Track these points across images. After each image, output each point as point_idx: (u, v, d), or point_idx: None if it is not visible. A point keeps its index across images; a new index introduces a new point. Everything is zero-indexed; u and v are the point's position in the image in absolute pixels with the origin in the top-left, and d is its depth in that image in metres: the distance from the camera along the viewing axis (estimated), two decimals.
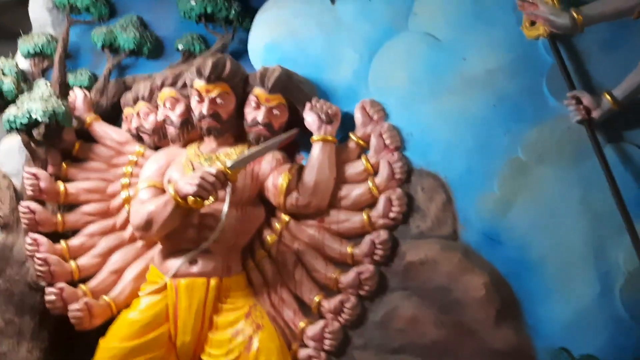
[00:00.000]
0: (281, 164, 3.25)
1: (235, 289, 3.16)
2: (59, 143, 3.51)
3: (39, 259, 3.33)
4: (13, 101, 3.48)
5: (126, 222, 3.41)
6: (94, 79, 3.73)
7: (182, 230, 3.13)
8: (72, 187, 3.47)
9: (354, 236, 3.18)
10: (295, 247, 3.23)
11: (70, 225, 3.46)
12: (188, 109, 3.34)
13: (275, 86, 3.24)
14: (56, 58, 3.62)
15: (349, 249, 3.15)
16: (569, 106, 3.05)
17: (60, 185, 3.45)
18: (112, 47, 3.72)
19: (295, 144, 3.35)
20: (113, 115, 3.64)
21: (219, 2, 3.62)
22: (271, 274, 3.24)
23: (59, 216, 3.44)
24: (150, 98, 3.46)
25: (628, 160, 3.03)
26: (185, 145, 3.39)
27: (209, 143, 3.31)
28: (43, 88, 3.45)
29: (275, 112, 3.26)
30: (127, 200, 3.42)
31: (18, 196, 3.50)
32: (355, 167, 3.24)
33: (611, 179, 2.92)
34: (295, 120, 3.30)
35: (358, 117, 3.26)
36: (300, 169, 3.23)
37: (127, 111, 3.54)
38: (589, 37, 3.07)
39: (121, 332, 3.12)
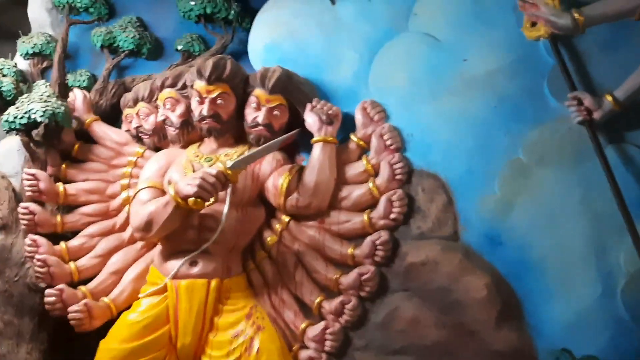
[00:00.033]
0: (281, 164, 3.25)
1: (235, 290, 3.16)
2: (59, 144, 3.51)
3: (38, 260, 3.33)
4: (12, 102, 3.48)
5: (126, 223, 3.40)
6: (93, 79, 3.73)
7: (183, 231, 3.12)
8: (72, 188, 3.46)
9: (355, 237, 3.17)
10: (296, 248, 3.22)
11: (69, 226, 3.46)
12: (188, 110, 3.34)
13: (276, 87, 3.23)
14: (55, 58, 3.63)
15: (349, 250, 3.14)
16: (570, 107, 3.04)
17: (60, 186, 3.44)
18: (111, 47, 3.72)
19: (296, 144, 3.35)
20: (112, 116, 3.63)
21: (219, 3, 3.62)
22: (271, 275, 3.23)
23: (58, 217, 3.44)
24: (150, 99, 3.45)
25: (629, 161, 3.03)
26: (185, 146, 3.39)
27: (209, 144, 3.31)
28: (43, 89, 3.45)
29: (276, 112, 3.26)
30: (127, 201, 3.40)
31: (17, 197, 3.50)
32: (355, 168, 3.24)
33: (612, 180, 2.92)
34: (296, 121, 3.29)
35: (358, 118, 3.25)
36: (301, 169, 3.23)
37: (126, 112, 3.54)
38: (590, 38, 3.07)
39: (121, 334, 3.11)
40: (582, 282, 2.99)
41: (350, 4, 3.41)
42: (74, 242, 3.43)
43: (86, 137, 3.57)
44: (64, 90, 3.59)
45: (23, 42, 3.72)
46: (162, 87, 3.42)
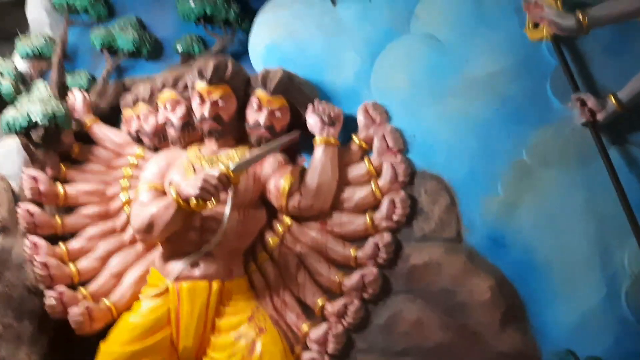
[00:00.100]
0: (283, 166, 3.24)
1: (237, 292, 3.15)
2: (58, 145, 3.49)
3: (38, 262, 3.32)
4: (11, 103, 3.46)
5: (126, 224, 3.40)
6: (92, 80, 3.71)
7: (184, 233, 3.11)
8: (71, 190, 3.45)
9: (357, 239, 3.17)
10: (298, 250, 3.21)
11: (69, 228, 3.45)
12: (189, 111, 3.33)
13: (277, 88, 3.22)
14: (54, 59, 3.61)
15: (352, 252, 3.14)
16: (573, 108, 3.05)
17: (60, 187, 3.42)
18: (110, 48, 3.70)
19: (297, 146, 3.34)
20: (112, 117, 3.62)
21: (218, 4, 3.60)
22: (273, 276, 3.23)
23: (58, 219, 3.43)
24: (151, 100, 3.44)
25: (633, 163, 3.02)
26: (185, 147, 3.37)
27: (210, 145, 3.30)
28: (42, 90, 3.44)
29: (277, 114, 3.25)
30: (127, 203, 3.40)
31: (16, 198, 3.48)
32: (357, 170, 3.23)
33: (616, 181, 2.92)
34: (297, 122, 3.29)
35: (360, 119, 3.25)
36: (303, 171, 3.22)
37: (126, 113, 3.52)
38: (593, 40, 3.07)
39: (122, 336, 3.10)
40: (586, 284, 2.99)
41: (351, 5, 3.40)
42: (74, 243, 3.41)
43: (86, 139, 3.56)
44: (63, 92, 3.58)
45: (22, 42, 3.70)
46: (163, 88, 3.40)
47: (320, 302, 3.15)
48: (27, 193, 3.40)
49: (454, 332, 3.03)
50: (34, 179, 3.40)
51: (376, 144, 3.21)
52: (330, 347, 3.09)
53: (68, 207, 3.47)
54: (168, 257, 3.16)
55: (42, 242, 3.36)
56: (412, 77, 3.25)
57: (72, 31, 3.71)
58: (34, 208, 3.39)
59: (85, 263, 3.37)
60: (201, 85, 3.22)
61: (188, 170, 3.20)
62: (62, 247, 3.39)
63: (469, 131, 3.15)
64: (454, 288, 3.04)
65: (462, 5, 3.26)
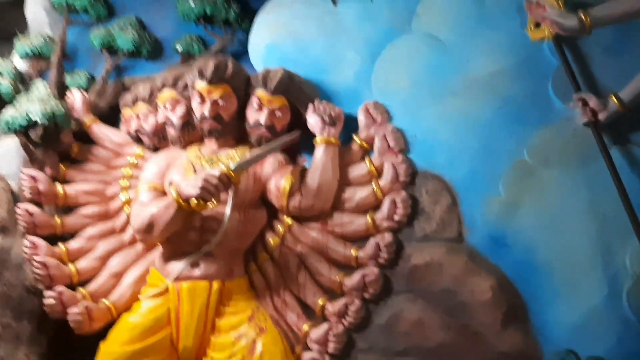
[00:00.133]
0: (283, 166, 3.23)
1: (237, 292, 3.14)
2: (57, 145, 3.48)
3: (37, 262, 3.31)
4: (10, 102, 3.44)
5: (126, 224, 3.39)
6: (92, 80, 3.70)
7: (184, 233, 3.10)
8: (71, 190, 3.44)
9: (358, 239, 3.17)
10: (299, 250, 3.21)
11: (68, 228, 3.44)
12: (189, 111, 3.32)
13: (278, 88, 3.22)
14: (54, 59, 3.60)
15: (353, 252, 3.14)
16: (575, 108, 3.05)
17: (59, 187, 3.41)
18: (110, 48, 3.70)
19: (297, 146, 3.34)
20: (111, 117, 3.61)
21: (218, 4, 3.60)
22: (274, 276, 3.22)
23: (57, 219, 3.42)
24: (150, 99, 3.43)
25: (634, 162, 3.02)
26: (185, 147, 3.36)
27: (210, 145, 3.29)
28: (41, 89, 3.43)
29: (278, 113, 3.25)
30: (127, 203, 3.39)
31: (15, 198, 3.46)
32: (358, 170, 3.23)
33: (618, 181, 2.91)
34: (298, 122, 3.28)
35: (361, 119, 3.25)
36: (303, 171, 3.21)
37: (126, 113, 3.52)
38: (594, 39, 3.06)
39: (122, 336, 3.09)
40: (587, 284, 2.99)
41: (352, 5, 3.40)
42: (73, 243, 3.40)
43: (85, 138, 3.55)
44: (62, 91, 3.57)
45: (21, 42, 3.68)
46: (163, 87, 3.39)
47: (320, 302, 3.14)
48: (26, 193, 3.39)
49: (455, 332, 3.03)
50: (33, 178, 3.39)
51: (377, 143, 3.21)
52: (331, 347, 3.09)
53: (67, 207, 3.45)
54: (168, 257, 3.15)
55: (41, 242, 3.35)
56: (413, 77, 3.25)
57: (72, 31, 3.70)
58: (33, 208, 3.38)
59: (84, 263, 3.36)
60: (201, 85, 3.21)
61: (188, 170, 3.19)
62: (61, 247, 3.38)
63: (470, 131, 3.14)
64: (455, 288, 3.04)
65: (463, 5, 3.26)
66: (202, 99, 3.22)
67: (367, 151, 3.25)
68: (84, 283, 3.34)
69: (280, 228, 3.25)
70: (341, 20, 3.40)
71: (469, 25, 3.24)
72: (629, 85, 2.97)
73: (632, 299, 2.95)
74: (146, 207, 3.11)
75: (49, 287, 3.29)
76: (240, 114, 3.29)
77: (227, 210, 3.02)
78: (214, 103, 3.21)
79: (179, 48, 3.66)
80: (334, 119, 3.19)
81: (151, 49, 3.71)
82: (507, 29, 3.19)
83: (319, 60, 3.39)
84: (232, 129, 3.28)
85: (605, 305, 2.96)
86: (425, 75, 3.24)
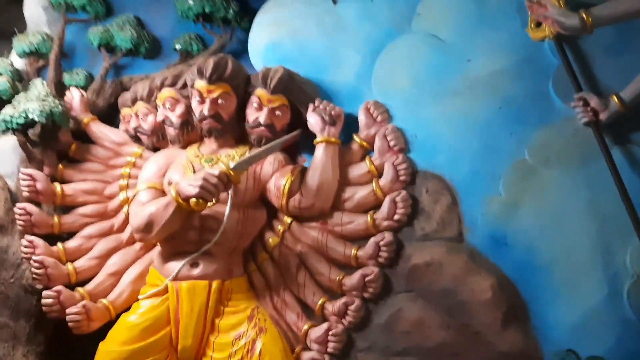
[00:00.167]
0: (283, 165, 3.23)
1: (237, 292, 3.13)
2: (55, 144, 3.47)
3: (35, 261, 3.29)
4: (8, 101, 3.43)
5: (124, 224, 3.38)
6: (90, 78, 3.69)
7: (183, 232, 3.09)
8: (69, 189, 3.42)
9: (358, 238, 3.16)
10: (298, 250, 3.20)
11: (66, 227, 3.42)
12: (188, 110, 3.31)
13: (278, 87, 3.21)
14: (52, 57, 3.60)
15: (353, 251, 3.13)
16: (576, 108, 3.05)
17: (57, 186, 3.40)
18: (108, 46, 3.69)
19: (297, 145, 3.33)
20: (110, 116, 3.60)
21: (217, 2, 3.59)
22: (273, 276, 3.21)
23: (55, 218, 3.40)
24: (149, 98, 3.42)
25: (635, 162, 3.03)
26: (184, 146, 3.36)
27: (209, 144, 3.28)
28: (39, 88, 3.42)
29: (278, 113, 3.24)
30: (125, 202, 3.37)
31: (13, 197, 3.45)
32: (359, 169, 3.22)
33: (619, 181, 2.92)
34: (298, 121, 3.28)
35: (362, 118, 3.24)
36: (303, 170, 3.21)
37: (125, 111, 3.51)
38: (595, 39, 3.06)
39: (121, 336, 3.08)
40: (588, 283, 2.98)
41: (352, 4, 3.39)
42: (72, 243, 3.39)
43: (83, 137, 3.53)
44: (60, 90, 3.57)
45: (19, 40, 3.68)
46: (162, 86, 3.38)
47: (320, 301, 3.13)
48: (25, 192, 3.37)
49: (455, 332, 3.02)
50: (32, 177, 3.37)
51: (377, 143, 3.20)
52: (331, 346, 3.08)
53: (66, 207, 3.44)
54: (167, 256, 3.14)
55: (39, 241, 3.33)
56: (414, 77, 3.24)
57: (70, 29, 3.70)
58: (31, 207, 3.37)
59: (83, 262, 3.35)
60: (201, 84, 3.20)
61: (187, 169, 3.18)
62: (59, 246, 3.36)
63: (471, 131, 3.14)
64: (455, 287, 3.03)
65: (463, 4, 3.25)
66: (202, 98, 3.21)
67: (367, 151, 3.24)
68: (82, 283, 3.33)
69: (279, 228, 3.24)
70: (341, 19, 3.39)
71: (469, 24, 3.23)
72: (630, 85, 2.97)
73: (633, 299, 2.95)
74: (145, 207, 3.09)
75: (47, 287, 3.27)
76: (240, 113, 3.28)
77: (227, 209, 3.00)
78: (214, 102, 3.20)
79: (178, 47, 3.66)
80: (334, 118, 3.18)
81: (150, 48, 3.70)
82: (507, 29, 3.19)
83: (319, 60, 3.38)
84: (231, 128, 3.27)
85: (606, 305, 2.96)
86: (425, 75, 3.23)
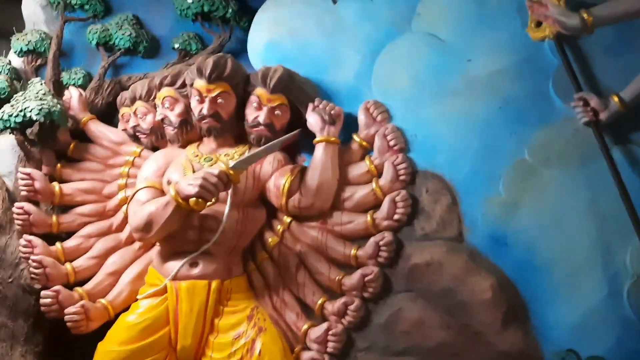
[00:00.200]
0: (283, 165, 3.22)
1: (236, 292, 3.13)
2: (54, 143, 3.45)
3: (33, 261, 3.28)
4: (6, 100, 3.43)
5: (123, 223, 3.37)
6: (88, 77, 3.69)
7: (183, 232, 3.08)
8: (68, 188, 3.41)
9: (358, 238, 3.16)
10: (298, 249, 3.19)
11: (65, 227, 3.41)
12: (187, 109, 3.31)
13: (277, 86, 3.21)
14: (50, 56, 3.58)
15: (352, 251, 3.12)
16: (576, 108, 3.05)
17: (55, 185, 3.39)
18: (107, 45, 3.69)
19: (297, 145, 3.32)
20: (108, 115, 3.60)
21: (216, 1, 3.60)
22: (273, 276, 3.21)
23: (53, 217, 3.39)
24: (148, 97, 3.42)
25: (635, 162, 3.03)
26: (183, 145, 3.35)
27: (209, 143, 3.27)
28: (38, 87, 3.40)
29: (277, 112, 3.23)
30: (124, 201, 3.36)
31: (11, 197, 3.44)
32: (358, 169, 3.22)
33: (619, 181, 2.92)
34: (297, 121, 3.27)
35: (361, 118, 3.24)
36: (303, 170, 3.20)
37: (123, 111, 3.50)
38: (595, 39, 3.06)
39: (120, 336, 3.07)
40: (588, 283, 2.98)
41: (351, 4, 3.39)
42: (70, 242, 3.38)
43: (81, 136, 3.52)
44: (58, 89, 3.55)
45: (17, 39, 3.68)
46: (161, 85, 3.37)
47: (320, 301, 3.13)
48: (23, 191, 3.36)
49: (455, 332, 3.02)
50: (30, 176, 3.36)
51: (377, 143, 3.20)
52: (330, 346, 3.07)
53: (64, 206, 3.43)
54: (166, 256, 3.13)
55: (37, 241, 3.32)
56: (414, 76, 3.24)
57: (68, 28, 3.70)
58: (29, 206, 3.35)
59: (81, 262, 3.34)
60: (200, 83, 3.19)
61: (187, 168, 3.17)
62: (58, 246, 3.35)
63: (471, 130, 3.14)
64: (455, 287, 3.03)
65: (463, 4, 3.25)
66: (201, 97, 3.20)
67: (367, 150, 3.24)
68: (80, 282, 3.31)
69: (279, 227, 3.23)
70: (341, 18, 3.39)
71: (469, 24, 3.23)
72: (630, 85, 2.97)
73: (633, 299, 2.95)
74: (144, 206, 3.08)
75: (46, 287, 3.26)
76: (239, 113, 3.27)
77: (226, 209, 2.99)
78: (213, 101, 3.19)
79: (177, 46, 3.66)
80: (334, 118, 3.18)
81: (148, 47, 3.71)
82: (507, 29, 3.19)
83: (319, 59, 3.38)
84: (231, 128, 3.26)
85: (606, 304, 2.96)
86: (425, 75, 3.23)
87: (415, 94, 3.22)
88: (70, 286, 3.29)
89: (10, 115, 3.26)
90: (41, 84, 3.42)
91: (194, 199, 2.92)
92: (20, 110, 3.25)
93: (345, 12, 3.39)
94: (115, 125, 3.55)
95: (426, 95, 3.21)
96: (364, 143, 3.23)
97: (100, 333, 3.14)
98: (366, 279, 3.07)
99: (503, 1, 3.22)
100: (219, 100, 3.20)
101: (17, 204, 3.36)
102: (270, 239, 3.23)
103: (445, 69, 3.21)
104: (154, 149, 3.43)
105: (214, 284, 3.06)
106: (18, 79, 3.61)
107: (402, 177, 3.13)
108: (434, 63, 3.24)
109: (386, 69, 3.29)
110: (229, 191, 2.99)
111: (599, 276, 2.98)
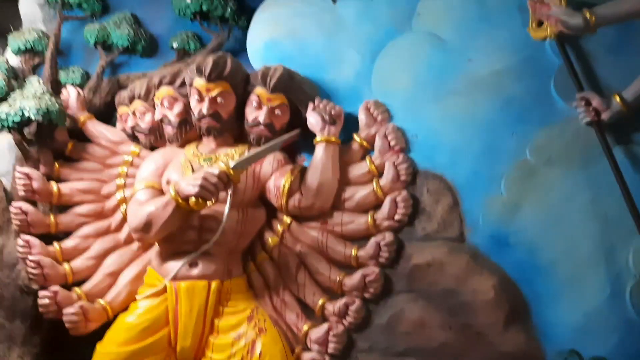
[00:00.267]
0: (283, 165, 3.21)
1: (236, 292, 3.11)
2: (52, 142, 3.44)
3: (31, 261, 3.26)
4: (4, 99, 3.39)
5: (121, 223, 3.36)
6: (86, 76, 3.68)
7: (182, 232, 3.07)
8: (66, 188, 3.39)
9: (359, 238, 3.15)
10: (298, 250, 3.19)
11: (63, 227, 3.39)
12: (186, 109, 3.29)
13: (277, 86, 3.19)
14: (47, 55, 3.57)
15: (353, 252, 3.12)
16: (578, 108, 3.05)
17: (53, 185, 3.37)
18: (105, 44, 3.67)
19: (297, 145, 3.32)
20: (106, 114, 3.58)
21: (215, 0, 3.57)
22: (273, 276, 3.20)
23: (51, 217, 3.37)
24: (147, 97, 3.39)
25: (638, 162, 3.03)
26: (182, 145, 3.33)
27: (208, 143, 3.26)
28: (36, 85, 3.39)
29: (277, 112, 3.22)
30: (123, 201, 3.35)
31: (9, 197, 3.42)
32: (359, 169, 3.21)
33: (621, 181, 2.92)
34: (297, 120, 3.26)
35: (362, 118, 3.23)
36: (303, 170, 3.19)
37: (122, 110, 3.48)
38: (597, 39, 3.06)
39: (119, 337, 3.05)
40: (590, 284, 2.98)
41: (351, 3, 3.39)
42: (68, 242, 3.36)
43: (79, 136, 3.51)
44: (56, 88, 3.54)
45: (14, 37, 3.66)
46: (160, 84, 3.35)
47: (320, 301, 3.12)
48: (20, 191, 3.34)
49: (457, 332, 3.01)
50: (27, 176, 3.34)
51: (378, 143, 3.19)
52: (331, 347, 3.06)
53: (62, 206, 3.41)
54: (166, 256, 3.12)
55: (35, 241, 3.30)
56: (414, 76, 3.23)
57: (66, 26, 3.68)
58: (27, 206, 3.33)
59: (79, 262, 3.32)
60: (200, 82, 3.18)
61: (186, 168, 3.16)
62: (56, 246, 3.33)
63: (472, 130, 3.13)
64: (456, 288, 3.02)
65: (464, 3, 3.25)
66: (201, 97, 3.18)
67: (367, 150, 3.23)
68: (79, 283, 3.30)
69: (279, 227, 3.22)
70: (341, 18, 3.38)
71: (470, 24, 3.23)
72: (632, 85, 2.97)
73: (635, 299, 2.95)
74: (144, 206, 3.07)
75: (43, 287, 3.25)
76: (239, 112, 3.26)
77: (226, 209, 2.97)
78: (213, 101, 3.17)
79: (175, 45, 3.64)
80: (334, 117, 3.17)
81: (146, 46, 3.69)
82: (509, 28, 3.19)
83: (319, 59, 3.37)
84: (230, 127, 3.25)
85: (608, 305, 2.96)
86: (426, 74, 3.23)
87: (415, 94, 3.22)
88: (68, 287, 3.28)
89: (8, 115, 3.23)
90: (39, 83, 3.40)
91: (194, 199, 2.91)
92: (18, 110, 3.23)
93: (345, 11, 3.38)
94: (114, 125, 3.53)
95: (427, 95, 3.21)
96: (365, 143, 3.22)
97: (99, 334, 3.12)
98: (367, 279, 3.06)
99: (504, 0, 3.21)
100: (219, 100, 3.18)
101: (14, 204, 3.34)
102: (270, 239, 3.21)
103: (446, 69, 3.21)
104: (153, 148, 3.42)
105: (214, 284, 3.04)
106: (15, 77, 3.57)
107: (402, 177, 3.12)
108: (435, 63, 3.23)
109: (386, 69, 3.28)
110: (229, 191, 2.98)
111: (602, 276, 2.98)
